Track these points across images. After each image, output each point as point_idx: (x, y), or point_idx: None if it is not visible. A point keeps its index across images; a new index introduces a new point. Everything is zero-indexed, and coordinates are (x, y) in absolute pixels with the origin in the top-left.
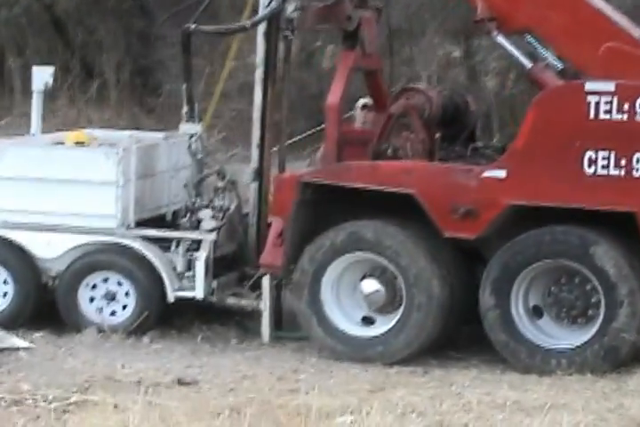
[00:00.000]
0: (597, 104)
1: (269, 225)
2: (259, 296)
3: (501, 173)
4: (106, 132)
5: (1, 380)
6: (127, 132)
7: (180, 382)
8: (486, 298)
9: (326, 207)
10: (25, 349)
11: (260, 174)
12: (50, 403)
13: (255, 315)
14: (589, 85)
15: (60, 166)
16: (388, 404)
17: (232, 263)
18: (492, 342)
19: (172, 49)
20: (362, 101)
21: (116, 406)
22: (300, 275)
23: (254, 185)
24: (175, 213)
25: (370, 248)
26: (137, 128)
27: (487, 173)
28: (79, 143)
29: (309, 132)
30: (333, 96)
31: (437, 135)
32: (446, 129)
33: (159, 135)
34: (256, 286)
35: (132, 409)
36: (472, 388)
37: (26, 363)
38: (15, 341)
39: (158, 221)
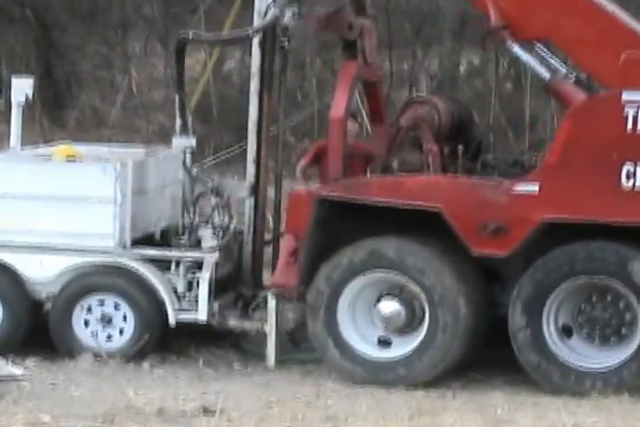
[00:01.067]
0: (635, 115)
1: (267, 242)
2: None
3: (534, 188)
4: (81, 147)
5: (12, 411)
6: (105, 147)
7: (206, 411)
8: (517, 317)
9: (343, 224)
10: (22, 377)
11: (256, 190)
12: None
13: (250, 336)
14: (627, 96)
15: (53, 183)
16: None
17: (227, 284)
18: (521, 364)
19: (89, 60)
20: None
21: None
22: (315, 295)
23: (250, 201)
24: (164, 232)
25: (391, 267)
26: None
27: (518, 188)
28: (70, 158)
29: (236, 147)
30: (337, 108)
31: (460, 147)
32: (453, 142)
33: (139, 150)
34: (248, 307)
35: None
36: (516, 411)
37: (30, 392)
38: (11, 369)
39: (148, 240)
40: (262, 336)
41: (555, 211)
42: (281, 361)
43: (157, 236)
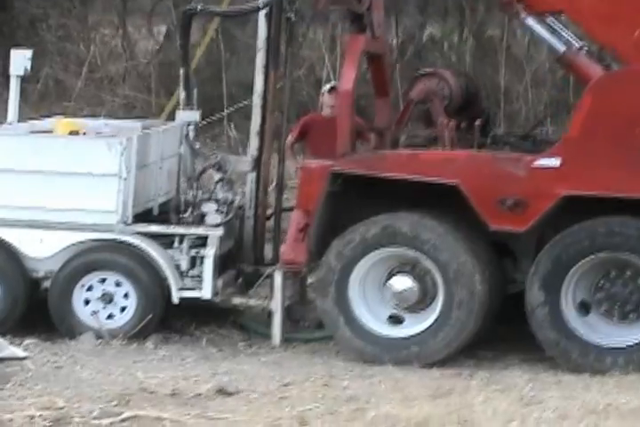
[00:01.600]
0: None
1: (268, 218)
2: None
3: (555, 162)
4: (76, 120)
5: (21, 394)
6: (100, 121)
7: (222, 392)
8: (534, 294)
9: (355, 199)
10: (23, 358)
11: (258, 164)
12: (99, 419)
13: (249, 314)
14: None
15: (56, 158)
16: (476, 412)
17: (228, 260)
18: (540, 341)
19: (52, 32)
20: (328, 86)
21: None
22: (325, 272)
23: (252, 175)
24: (163, 207)
25: (405, 243)
26: None
27: (539, 162)
28: (73, 132)
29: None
30: (345, 82)
31: (478, 122)
32: (462, 115)
33: (136, 124)
34: (249, 284)
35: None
36: (542, 391)
37: (35, 374)
38: (14, 350)
39: (146, 216)
40: (262, 313)
41: (576, 186)
42: (285, 340)
43: (155, 211)
